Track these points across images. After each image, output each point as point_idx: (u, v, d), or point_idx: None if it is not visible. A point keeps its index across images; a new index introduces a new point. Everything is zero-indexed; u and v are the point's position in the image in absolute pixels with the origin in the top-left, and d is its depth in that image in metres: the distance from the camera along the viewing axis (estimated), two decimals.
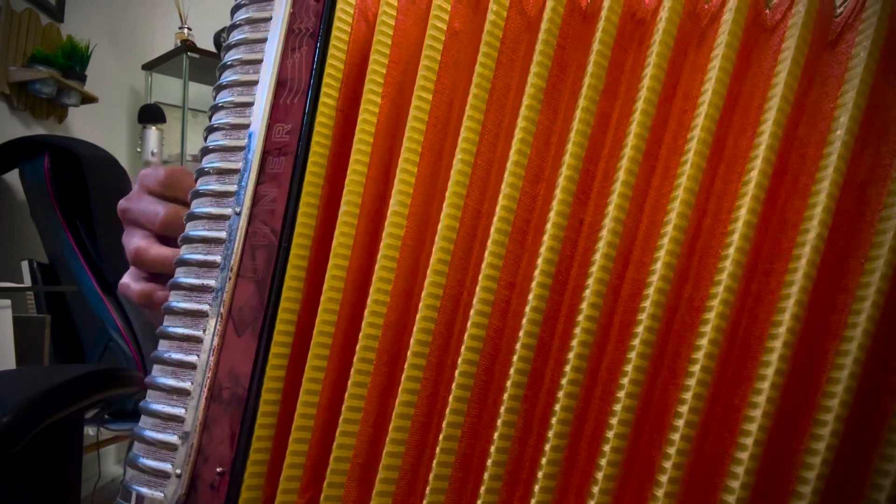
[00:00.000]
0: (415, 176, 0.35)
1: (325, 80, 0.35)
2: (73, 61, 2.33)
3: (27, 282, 2.05)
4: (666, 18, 0.33)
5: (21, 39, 2.18)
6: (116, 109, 2.82)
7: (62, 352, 2.05)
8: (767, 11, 0.34)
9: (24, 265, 2.06)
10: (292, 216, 0.35)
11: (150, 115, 2.73)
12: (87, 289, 2.02)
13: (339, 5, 0.36)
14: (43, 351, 1.84)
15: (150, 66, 2.94)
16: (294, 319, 0.35)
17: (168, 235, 0.44)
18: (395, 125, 0.36)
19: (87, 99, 2.42)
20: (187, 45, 2.76)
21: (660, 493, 0.30)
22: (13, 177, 2.12)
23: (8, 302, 1.70)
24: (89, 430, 2.06)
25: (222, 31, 2.90)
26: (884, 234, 0.29)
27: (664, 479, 0.30)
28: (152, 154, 2.72)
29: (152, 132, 2.73)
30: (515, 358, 0.32)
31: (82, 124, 2.54)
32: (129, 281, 0.45)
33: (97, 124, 2.63)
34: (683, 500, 0.30)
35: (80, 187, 2.04)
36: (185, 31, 2.87)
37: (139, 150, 2.79)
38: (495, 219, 0.33)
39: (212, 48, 2.89)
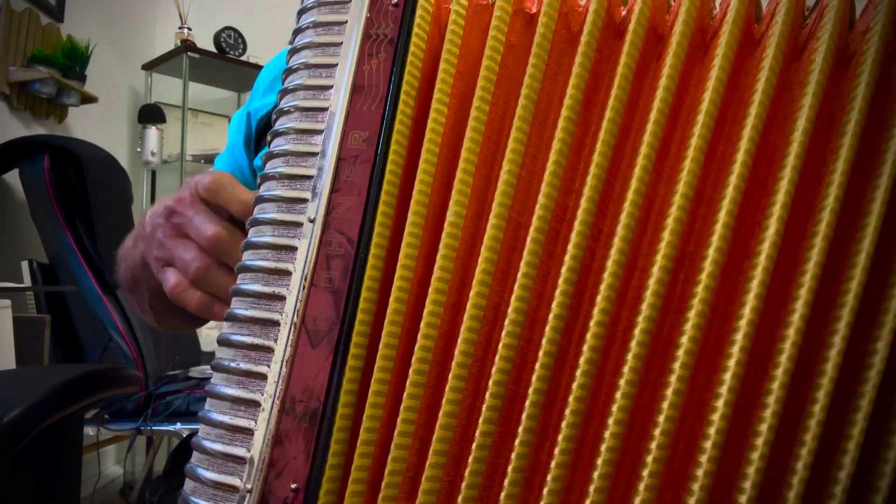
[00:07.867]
0: (470, 186, 0.35)
1: (404, 87, 0.35)
2: (73, 61, 2.31)
3: (27, 282, 2.03)
4: (679, 32, 0.34)
5: (21, 39, 2.16)
6: (116, 109, 2.80)
7: (62, 352, 2.03)
8: (756, 25, 0.35)
9: (24, 265, 2.04)
10: (369, 226, 0.34)
11: (150, 115, 2.72)
12: (87, 289, 2.00)
13: (418, 12, 0.36)
14: (43, 351, 1.83)
15: (150, 66, 2.92)
16: (368, 332, 0.34)
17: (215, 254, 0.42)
18: (457, 137, 0.37)
19: (87, 99, 2.40)
20: (187, 45, 2.74)
21: (641, 486, 0.30)
22: (13, 177, 2.10)
23: (8, 302, 1.68)
24: (89, 430, 2.04)
25: (222, 30, 2.90)
26: (816, 236, 0.30)
27: (645, 472, 0.31)
28: (152, 154, 2.70)
29: (152, 132, 2.71)
30: (538, 366, 0.33)
31: (82, 124, 2.52)
32: (185, 286, 0.42)
33: (97, 124, 2.61)
34: (660, 492, 0.31)
35: (80, 187, 2.03)
36: (185, 31, 2.85)
37: (139, 150, 2.77)
38: (531, 229, 0.34)
39: (212, 48, 2.87)
